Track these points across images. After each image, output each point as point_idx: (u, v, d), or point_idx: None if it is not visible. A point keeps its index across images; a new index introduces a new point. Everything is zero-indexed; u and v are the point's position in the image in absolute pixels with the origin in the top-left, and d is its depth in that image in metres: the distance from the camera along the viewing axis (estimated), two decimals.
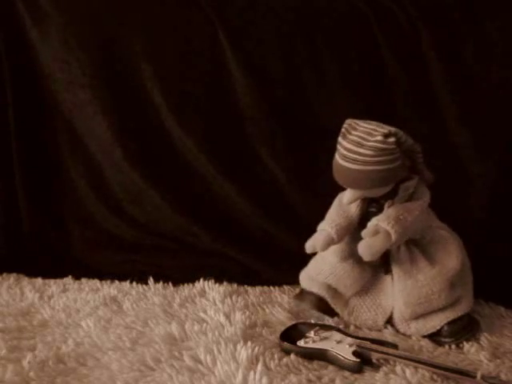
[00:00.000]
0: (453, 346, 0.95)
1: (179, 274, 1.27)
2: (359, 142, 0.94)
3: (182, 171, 1.38)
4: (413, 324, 0.99)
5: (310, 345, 0.92)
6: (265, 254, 1.31)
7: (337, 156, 0.98)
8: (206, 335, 0.97)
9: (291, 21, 1.31)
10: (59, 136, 1.43)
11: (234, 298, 1.14)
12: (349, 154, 0.94)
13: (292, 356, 0.91)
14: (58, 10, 1.35)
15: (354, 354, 0.88)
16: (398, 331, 1.00)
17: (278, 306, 1.13)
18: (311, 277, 1.07)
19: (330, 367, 0.88)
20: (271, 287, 1.23)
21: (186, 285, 1.24)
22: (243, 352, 0.89)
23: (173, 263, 1.33)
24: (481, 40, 1.24)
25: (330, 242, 1.00)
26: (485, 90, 1.24)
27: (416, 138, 1.27)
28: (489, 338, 0.97)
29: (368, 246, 0.95)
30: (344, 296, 1.04)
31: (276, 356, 0.90)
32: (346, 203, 1.00)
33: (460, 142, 1.25)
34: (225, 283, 1.22)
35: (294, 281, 1.20)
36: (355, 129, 0.95)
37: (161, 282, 1.25)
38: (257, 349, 0.91)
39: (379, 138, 0.92)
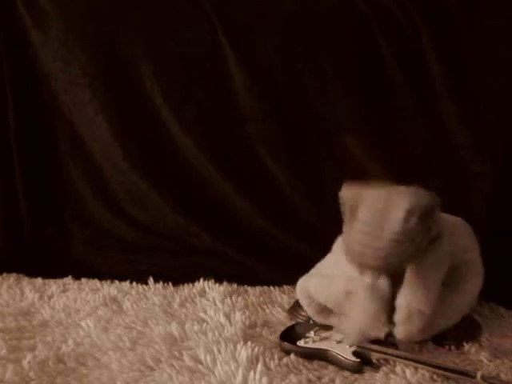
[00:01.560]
0: (453, 347, 0.95)
1: (179, 274, 1.27)
2: (382, 220, 0.85)
3: (181, 171, 1.38)
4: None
5: (310, 345, 0.92)
6: (265, 254, 1.31)
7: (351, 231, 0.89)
8: (205, 335, 0.97)
9: (291, 21, 1.31)
10: (59, 136, 1.43)
11: (233, 298, 1.14)
12: (368, 232, 0.85)
13: (292, 356, 0.91)
14: (58, 10, 1.35)
15: (354, 354, 0.88)
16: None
17: (277, 305, 1.13)
18: (310, 295, 1.03)
19: (330, 367, 0.88)
20: (271, 287, 1.24)
21: (185, 285, 1.24)
22: (243, 352, 0.89)
23: (173, 263, 1.33)
24: (481, 40, 1.24)
25: None
26: (485, 90, 1.24)
27: (416, 138, 1.28)
28: (489, 338, 0.97)
29: (409, 334, 0.88)
30: (337, 315, 1.01)
31: (276, 356, 0.90)
32: (366, 282, 0.90)
33: (460, 142, 1.25)
34: (225, 283, 1.22)
35: (294, 281, 1.20)
36: (364, 201, 0.87)
37: (161, 282, 1.25)
38: (257, 349, 0.91)
39: (403, 213, 0.83)
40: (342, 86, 1.31)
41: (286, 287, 1.23)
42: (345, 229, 0.89)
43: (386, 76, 1.29)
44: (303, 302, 1.04)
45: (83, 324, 1.04)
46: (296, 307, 1.08)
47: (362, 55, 1.29)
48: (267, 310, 1.11)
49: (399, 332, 0.89)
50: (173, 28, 1.35)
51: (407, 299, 0.88)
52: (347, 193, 0.89)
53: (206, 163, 1.36)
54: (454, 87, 1.25)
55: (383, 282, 0.89)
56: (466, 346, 0.95)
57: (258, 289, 1.23)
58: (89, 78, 1.36)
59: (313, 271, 1.06)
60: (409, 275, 0.89)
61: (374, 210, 0.85)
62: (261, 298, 1.17)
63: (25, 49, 1.38)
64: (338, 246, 1.00)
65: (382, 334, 0.90)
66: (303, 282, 1.05)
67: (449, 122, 1.26)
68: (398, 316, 0.89)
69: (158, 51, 1.35)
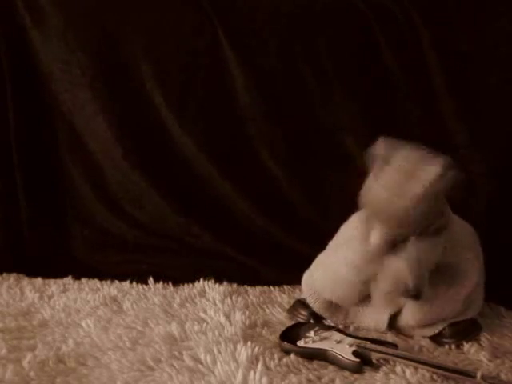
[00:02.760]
0: (453, 346, 0.95)
1: (179, 274, 1.27)
2: (407, 175, 0.88)
3: (181, 171, 1.38)
4: (418, 330, 0.98)
5: (310, 345, 0.92)
6: (265, 254, 1.31)
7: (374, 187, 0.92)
8: (205, 335, 0.97)
9: (291, 21, 1.31)
10: (59, 136, 1.43)
11: (234, 297, 1.15)
12: (395, 186, 0.89)
13: (292, 356, 0.91)
14: (58, 10, 1.35)
15: (354, 354, 0.88)
16: (399, 332, 1.00)
17: (277, 305, 1.13)
18: (316, 291, 1.04)
19: (330, 367, 0.88)
20: (271, 287, 1.24)
21: (186, 285, 1.24)
22: (243, 352, 0.89)
23: (173, 263, 1.33)
24: (481, 40, 1.24)
25: None
26: (485, 90, 1.24)
27: (416, 138, 1.27)
28: (489, 338, 0.97)
29: None
30: (344, 308, 1.03)
31: (276, 356, 0.90)
32: (373, 243, 0.93)
33: (460, 142, 1.25)
34: (225, 283, 1.22)
35: (294, 281, 1.20)
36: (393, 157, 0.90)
37: (161, 282, 1.25)
38: (257, 349, 0.91)
39: (435, 176, 0.87)
40: (342, 86, 1.31)
41: (285, 287, 1.23)
42: (369, 183, 0.91)
43: (385, 76, 1.29)
44: (309, 300, 1.04)
45: (83, 324, 1.04)
46: (296, 307, 1.08)
47: (362, 55, 1.30)
48: (267, 310, 1.11)
49: None
50: (173, 28, 1.35)
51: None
52: (380, 148, 0.90)
53: (206, 163, 1.36)
54: (454, 87, 1.25)
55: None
56: (466, 346, 0.95)
57: (258, 289, 1.23)
58: (89, 78, 1.36)
59: (315, 263, 1.07)
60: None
61: (404, 169, 0.87)
62: (261, 298, 1.17)
63: (25, 49, 1.38)
64: (340, 232, 1.03)
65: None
66: (308, 279, 1.06)
67: (449, 121, 1.26)
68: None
69: (158, 51, 1.35)
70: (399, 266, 0.90)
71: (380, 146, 0.90)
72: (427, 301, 0.95)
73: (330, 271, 1.02)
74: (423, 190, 0.85)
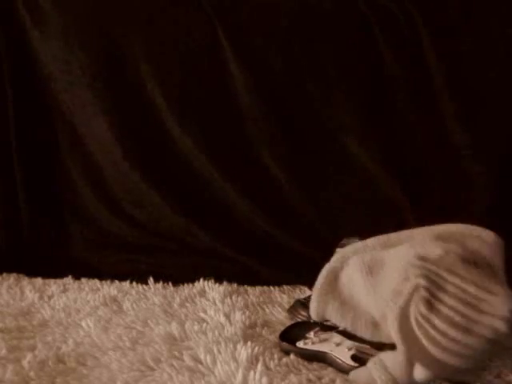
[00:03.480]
0: None
1: (179, 274, 1.27)
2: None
3: (181, 171, 1.38)
4: None
5: (310, 346, 0.91)
6: (265, 254, 1.31)
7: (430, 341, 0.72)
8: (205, 335, 0.97)
9: (291, 21, 1.32)
10: (59, 136, 1.43)
11: (233, 297, 1.14)
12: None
13: (292, 356, 0.90)
14: (58, 10, 1.35)
15: (353, 358, 0.87)
16: None
17: (277, 305, 1.13)
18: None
19: (330, 367, 0.88)
20: (271, 287, 1.23)
21: (185, 285, 1.24)
22: (243, 352, 0.89)
23: (173, 263, 1.33)
24: (481, 40, 1.24)
25: None
26: (485, 90, 1.24)
27: (416, 138, 1.28)
28: None
29: None
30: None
31: (276, 356, 0.90)
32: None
33: (460, 142, 1.25)
34: (225, 283, 1.22)
35: (294, 281, 1.20)
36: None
37: (161, 282, 1.25)
38: (257, 349, 0.90)
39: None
40: (342, 86, 1.31)
41: (285, 287, 1.23)
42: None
43: (386, 76, 1.29)
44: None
45: (83, 324, 1.04)
46: (296, 307, 1.08)
47: (362, 55, 1.30)
48: (267, 310, 1.11)
49: None
50: (173, 28, 1.35)
51: None
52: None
53: (206, 163, 1.36)
54: (454, 87, 1.25)
55: None
56: None
57: (258, 289, 1.23)
58: (89, 78, 1.36)
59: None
60: None
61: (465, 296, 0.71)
62: (261, 298, 1.17)
63: (25, 49, 1.38)
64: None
65: None
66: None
67: (449, 121, 1.26)
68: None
69: (158, 51, 1.35)
70: None
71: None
72: None
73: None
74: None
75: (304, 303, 1.07)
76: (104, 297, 1.18)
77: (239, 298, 1.15)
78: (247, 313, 1.07)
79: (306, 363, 0.89)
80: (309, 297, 1.07)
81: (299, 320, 1.05)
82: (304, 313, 1.05)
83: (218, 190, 1.37)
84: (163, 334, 0.99)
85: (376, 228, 0.98)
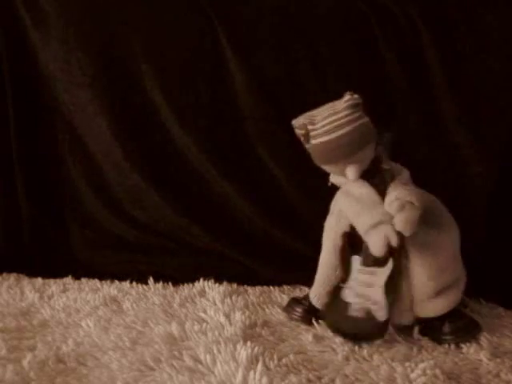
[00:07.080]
0: (452, 346, 0.95)
1: (179, 274, 1.27)
2: (332, 113, 0.99)
3: (182, 171, 1.38)
4: (430, 304, 0.98)
5: None
6: (265, 254, 1.31)
7: (318, 140, 1.00)
8: (205, 335, 0.98)
9: (291, 21, 1.31)
10: (59, 136, 1.43)
11: (233, 297, 1.15)
12: (329, 125, 0.98)
13: (292, 356, 0.91)
14: (58, 10, 1.35)
15: None
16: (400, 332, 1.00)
17: (277, 306, 1.13)
18: None
19: (330, 367, 0.88)
20: (271, 287, 1.24)
21: (185, 285, 1.24)
22: (243, 352, 0.89)
23: (173, 263, 1.33)
24: (481, 40, 1.24)
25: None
26: (485, 90, 1.24)
27: (416, 138, 1.28)
28: (489, 337, 0.97)
29: (406, 221, 0.91)
30: None
31: (276, 356, 0.90)
32: (352, 179, 1.00)
33: (460, 142, 1.25)
34: (225, 283, 1.23)
35: (294, 281, 1.21)
36: (315, 116, 1.01)
37: (161, 282, 1.26)
38: (256, 349, 0.90)
39: (347, 97, 0.99)
40: (342, 85, 1.30)
41: (285, 287, 1.23)
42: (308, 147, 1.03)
43: (386, 76, 1.29)
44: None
45: (83, 324, 1.04)
46: (292, 305, 1.09)
47: (362, 55, 1.29)
48: (267, 310, 1.12)
49: (397, 221, 0.92)
50: (173, 28, 1.35)
51: (396, 195, 0.95)
52: (297, 123, 1.03)
53: (206, 163, 1.36)
54: (454, 87, 1.25)
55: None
56: (466, 346, 0.95)
57: (258, 289, 1.23)
58: (89, 78, 1.36)
59: None
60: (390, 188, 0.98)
61: (323, 110, 1.01)
62: (261, 298, 1.18)
63: (25, 49, 1.38)
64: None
65: None
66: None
67: (449, 121, 1.26)
68: (392, 207, 0.94)
69: (158, 51, 1.35)
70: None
71: (296, 123, 1.03)
72: (425, 249, 0.96)
73: None
74: (347, 111, 0.98)
75: (298, 300, 1.08)
76: (104, 297, 1.18)
77: (239, 298, 1.15)
78: (247, 313, 1.07)
79: (305, 363, 0.89)
80: (305, 296, 1.08)
81: (294, 317, 1.06)
82: (299, 309, 1.06)
83: (218, 189, 1.37)
84: (163, 333, 0.99)
85: None
